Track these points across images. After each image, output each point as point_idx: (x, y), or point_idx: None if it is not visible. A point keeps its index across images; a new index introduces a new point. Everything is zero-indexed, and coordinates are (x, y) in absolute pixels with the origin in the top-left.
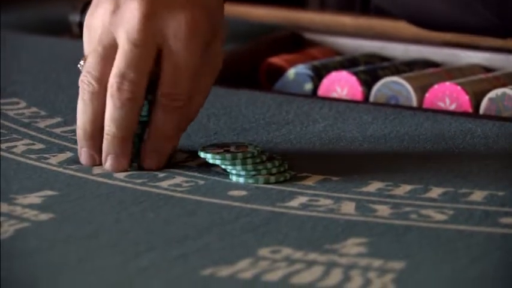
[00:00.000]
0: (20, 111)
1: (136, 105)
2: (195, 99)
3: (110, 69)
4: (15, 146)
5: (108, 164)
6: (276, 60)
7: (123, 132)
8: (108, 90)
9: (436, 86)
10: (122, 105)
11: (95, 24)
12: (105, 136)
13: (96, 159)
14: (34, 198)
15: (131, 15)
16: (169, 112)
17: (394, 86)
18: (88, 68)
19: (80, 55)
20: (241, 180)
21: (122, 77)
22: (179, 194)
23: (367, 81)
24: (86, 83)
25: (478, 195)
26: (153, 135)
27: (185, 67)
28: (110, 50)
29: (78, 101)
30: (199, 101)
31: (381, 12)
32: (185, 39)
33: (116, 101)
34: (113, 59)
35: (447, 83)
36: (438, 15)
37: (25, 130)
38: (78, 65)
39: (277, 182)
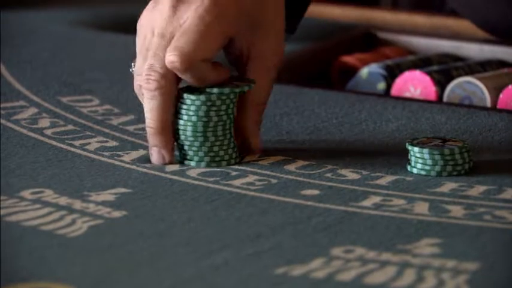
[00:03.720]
0: (94, 109)
1: (166, 96)
2: None
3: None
4: (89, 143)
5: (152, 157)
6: (348, 59)
7: (157, 123)
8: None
9: (510, 87)
10: (152, 96)
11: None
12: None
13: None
14: (107, 196)
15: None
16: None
17: (468, 86)
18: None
19: None
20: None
21: (150, 69)
22: (252, 193)
23: (441, 81)
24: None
25: None
26: None
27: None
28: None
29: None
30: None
31: (456, 13)
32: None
33: (147, 93)
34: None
35: None
36: (506, 22)
37: (98, 127)
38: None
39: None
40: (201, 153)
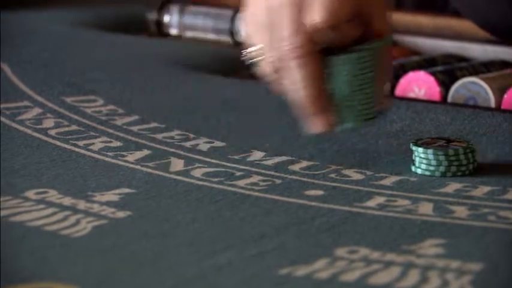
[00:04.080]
0: (98, 109)
1: (316, 61)
2: None
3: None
4: (93, 143)
5: (314, 126)
6: None
7: (315, 90)
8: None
9: None
10: (303, 63)
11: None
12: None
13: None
14: (111, 196)
15: None
16: None
17: (472, 87)
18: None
19: (157, 53)
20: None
21: (293, 36)
22: (256, 193)
23: (445, 81)
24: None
25: None
26: None
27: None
28: None
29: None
30: None
31: (459, 13)
32: None
33: (295, 62)
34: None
35: None
36: (506, 22)
37: (102, 128)
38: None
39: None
40: (353, 113)
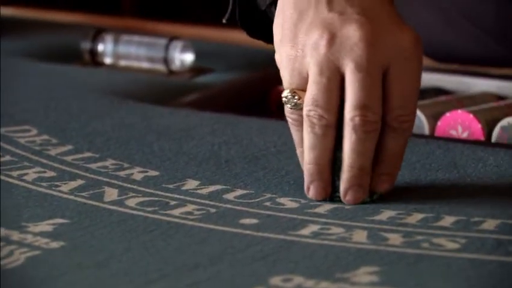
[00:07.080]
0: (31, 139)
1: (377, 135)
2: None
3: (337, 100)
4: (26, 173)
5: (349, 196)
6: None
7: (368, 163)
8: (347, 124)
9: (448, 114)
10: (367, 137)
11: (299, 54)
12: (347, 169)
13: (327, 192)
14: (45, 226)
15: (354, 42)
16: (401, 134)
17: None
18: (314, 101)
19: (91, 82)
20: None
21: (365, 108)
22: (190, 222)
23: None
24: (316, 116)
25: (490, 224)
26: (387, 159)
27: (413, 87)
28: (334, 81)
29: (305, 135)
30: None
31: None
32: (412, 59)
33: (361, 134)
34: (338, 89)
35: (459, 111)
36: (448, 47)
37: (36, 158)
38: (283, 98)
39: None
40: None
